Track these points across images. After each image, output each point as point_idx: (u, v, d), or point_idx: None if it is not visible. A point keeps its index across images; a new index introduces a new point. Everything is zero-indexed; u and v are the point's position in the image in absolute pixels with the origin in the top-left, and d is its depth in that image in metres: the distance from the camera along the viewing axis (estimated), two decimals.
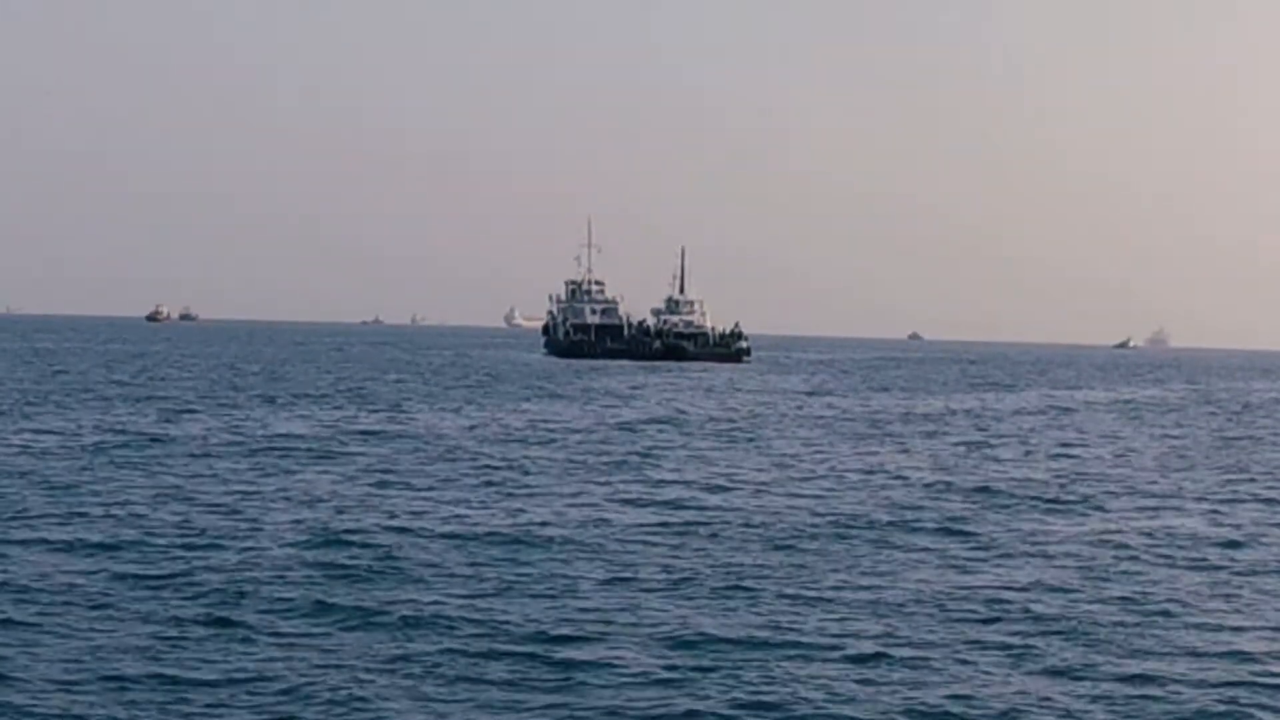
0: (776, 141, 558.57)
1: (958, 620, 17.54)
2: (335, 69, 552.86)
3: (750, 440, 44.75)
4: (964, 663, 15.52)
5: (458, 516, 25.25)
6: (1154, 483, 34.58)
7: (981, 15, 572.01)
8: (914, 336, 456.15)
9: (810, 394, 79.16)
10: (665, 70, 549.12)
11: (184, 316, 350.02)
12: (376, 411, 52.10)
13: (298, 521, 23.94)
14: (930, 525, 25.63)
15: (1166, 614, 18.26)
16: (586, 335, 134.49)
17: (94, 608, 17.03)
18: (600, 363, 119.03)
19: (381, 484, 29.77)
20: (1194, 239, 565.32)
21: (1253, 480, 35.97)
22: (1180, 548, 23.84)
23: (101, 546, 21.05)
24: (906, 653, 15.81)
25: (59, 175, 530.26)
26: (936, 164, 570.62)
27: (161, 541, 21.59)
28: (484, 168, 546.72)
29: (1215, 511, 28.99)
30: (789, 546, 22.77)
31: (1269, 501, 31.07)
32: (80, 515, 24.02)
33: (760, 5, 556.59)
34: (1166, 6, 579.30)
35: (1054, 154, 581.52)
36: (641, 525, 24.80)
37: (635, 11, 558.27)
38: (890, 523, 25.75)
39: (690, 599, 18.44)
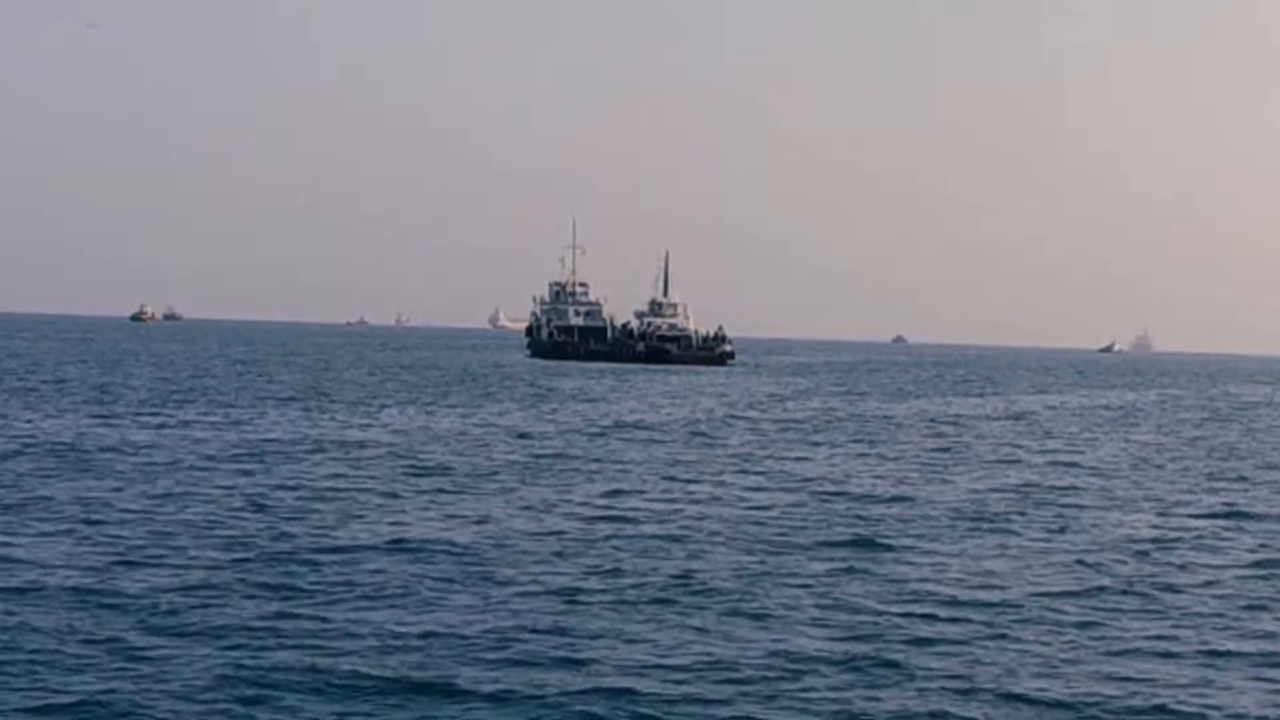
0: (764, 140, 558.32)
1: (885, 639, 17.27)
2: (323, 73, 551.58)
3: (712, 445, 44.43)
4: (896, 683, 15.25)
5: (402, 524, 24.73)
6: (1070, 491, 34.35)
7: (986, 13, 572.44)
8: (899, 339, 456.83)
9: (788, 398, 78.93)
10: (653, 67, 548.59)
11: (168, 316, 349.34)
12: (335, 414, 51.71)
13: (231, 532, 23.50)
14: (882, 541, 25.33)
15: (1081, 633, 18.01)
16: (570, 337, 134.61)
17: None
18: (582, 365, 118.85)
19: (327, 491, 29.12)
20: (1184, 240, 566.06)
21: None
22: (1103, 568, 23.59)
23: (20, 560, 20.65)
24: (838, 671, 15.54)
25: (44, 175, 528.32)
26: (927, 166, 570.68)
27: (86, 552, 21.06)
28: (471, 166, 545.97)
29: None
30: (735, 559, 22.41)
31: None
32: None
33: None
34: (1172, 7, 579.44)
35: (1045, 157, 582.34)
36: (591, 534, 24.31)
37: (625, 4, 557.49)
38: (841, 538, 25.42)
39: (633, 614, 18.12)
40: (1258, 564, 23.42)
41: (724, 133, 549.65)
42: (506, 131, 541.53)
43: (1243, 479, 38.73)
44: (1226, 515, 29.93)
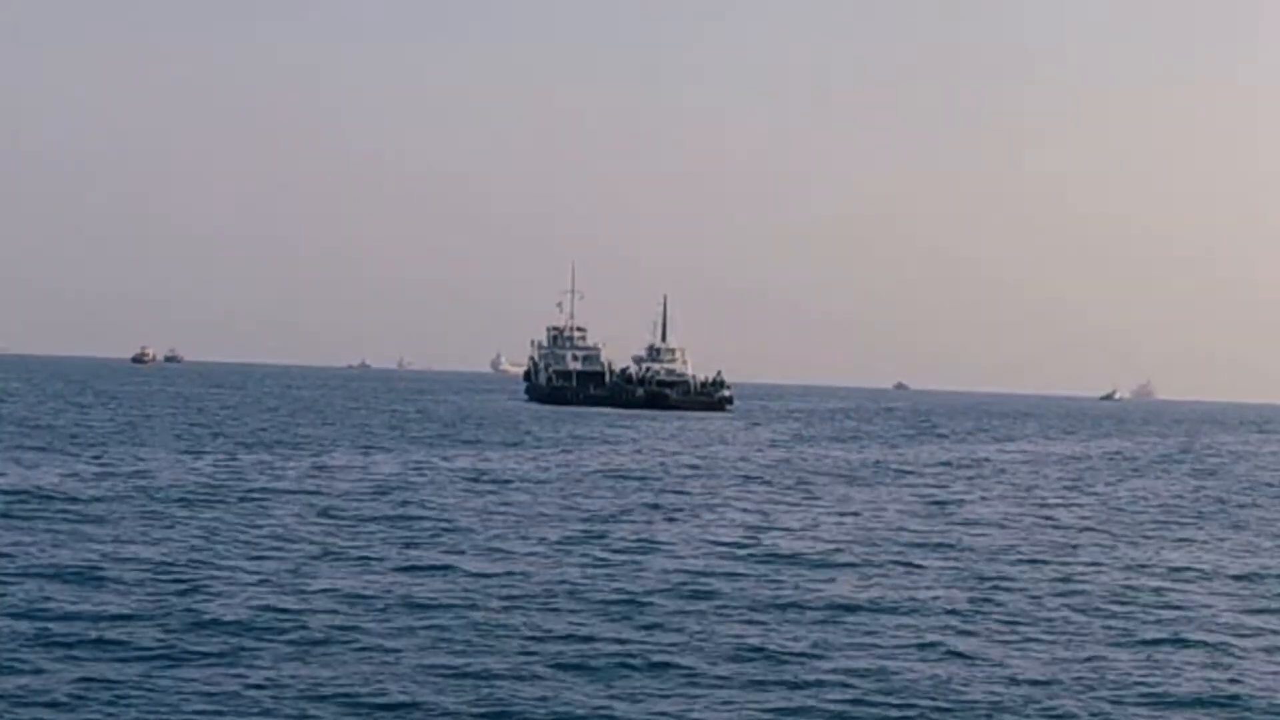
0: (765, 186, 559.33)
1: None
2: (323, 117, 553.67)
3: (685, 494, 43.71)
4: None
5: (365, 574, 24.06)
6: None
7: (976, 65, 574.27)
8: (900, 386, 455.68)
9: (787, 443, 78.24)
10: (653, 112, 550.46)
11: (169, 358, 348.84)
12: (301, 458, 50.98)
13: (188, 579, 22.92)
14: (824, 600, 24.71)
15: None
16: (568, 382, 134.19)
17: None
18: (581, 410, 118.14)
19: (289, 538, 28.39)
20: (1186, 290, 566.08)
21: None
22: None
23: None
24: None
25: (43, 214, 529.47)
26: (928, 212, 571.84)
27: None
28: (473, 210, 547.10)
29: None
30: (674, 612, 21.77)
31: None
32: None
33: (748, 39, 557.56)
34: (1169, 53, 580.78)
35: (1048, 202, 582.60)
36: (563, 588, 23.53)
37: (621, 50, 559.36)
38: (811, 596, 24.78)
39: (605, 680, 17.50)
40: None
41: (724, 177, 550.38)
42: (507, 176, 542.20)
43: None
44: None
